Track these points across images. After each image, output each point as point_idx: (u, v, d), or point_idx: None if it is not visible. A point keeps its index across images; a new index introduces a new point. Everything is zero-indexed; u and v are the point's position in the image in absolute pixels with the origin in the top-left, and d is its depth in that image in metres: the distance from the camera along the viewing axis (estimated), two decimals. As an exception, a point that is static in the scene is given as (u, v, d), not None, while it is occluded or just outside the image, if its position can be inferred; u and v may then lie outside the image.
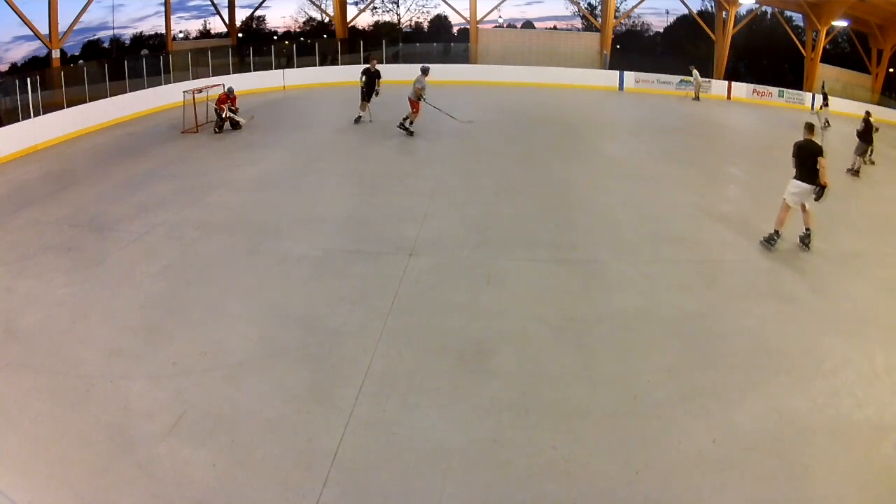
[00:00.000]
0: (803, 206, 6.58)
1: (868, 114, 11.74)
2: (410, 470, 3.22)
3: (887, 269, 6.19)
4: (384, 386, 3.91)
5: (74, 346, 4.34)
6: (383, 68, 21.33)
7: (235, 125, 12.60)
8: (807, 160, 6.49)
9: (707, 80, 21.58)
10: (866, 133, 11.14)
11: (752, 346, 4.52)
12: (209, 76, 16.37)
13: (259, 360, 4.19)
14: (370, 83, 12.83)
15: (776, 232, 6.54)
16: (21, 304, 4.99)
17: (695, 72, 20.86)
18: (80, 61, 18.18)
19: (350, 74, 20.64)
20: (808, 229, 6.61)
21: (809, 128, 6.77)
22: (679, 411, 3.73)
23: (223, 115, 12.46)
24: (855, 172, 10.87)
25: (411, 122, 12.04)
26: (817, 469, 3.27)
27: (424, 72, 11.95)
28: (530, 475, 3.19)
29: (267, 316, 4.82)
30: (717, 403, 3.81)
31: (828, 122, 16.14)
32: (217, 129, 12.55)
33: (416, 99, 11.95)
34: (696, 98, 20.81)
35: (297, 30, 25.99)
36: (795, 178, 6.62)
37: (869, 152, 11.45)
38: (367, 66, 13.11)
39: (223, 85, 12.93)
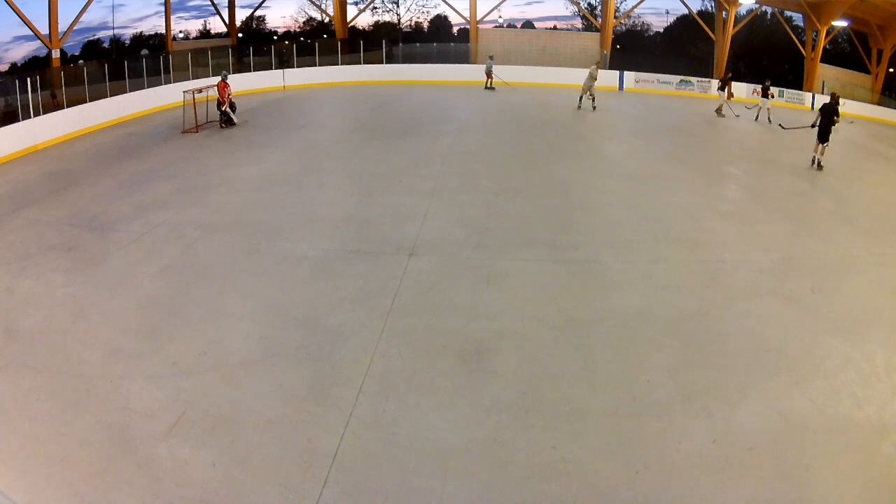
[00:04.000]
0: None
1: None
2: (410, 470, 3.22)
3: (887, 269, 6.19)
4: (384, 386, 3.92)
5: (74, 346, 4.35)
6: (384, 68, 21.60)
7: (228, 120, 12.61)
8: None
9: (707, 80, 21.54)
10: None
11: (752, 346, 4.52)
12: (209, 76, 16.36)
13: (259, 360, 4.20)
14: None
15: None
16: (21, 304, 4.99)
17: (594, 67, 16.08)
18: (80, 61, 18.17)
19: (350, 74, 20.71)
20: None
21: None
22: (679, 411, 3.73)
23: (224, 108, 12.48)
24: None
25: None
26: (817, 469, 3.27)
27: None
28: (530, 475, 3.19)
29: (267, 316, 4.82)
30: (717, 403, 3.81)
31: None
32: (223, 125, 12.57)
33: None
34: (579, 102, 16.02)
35: (297, 30, 26.01)
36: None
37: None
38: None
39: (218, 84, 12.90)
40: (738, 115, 16.56)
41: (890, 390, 4.02)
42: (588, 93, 15.83)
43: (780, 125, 11.88)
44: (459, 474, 3.19)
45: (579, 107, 16.02)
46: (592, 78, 15.73)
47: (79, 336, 4.50)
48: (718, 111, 16.73)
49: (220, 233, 6.60)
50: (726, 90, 17.00)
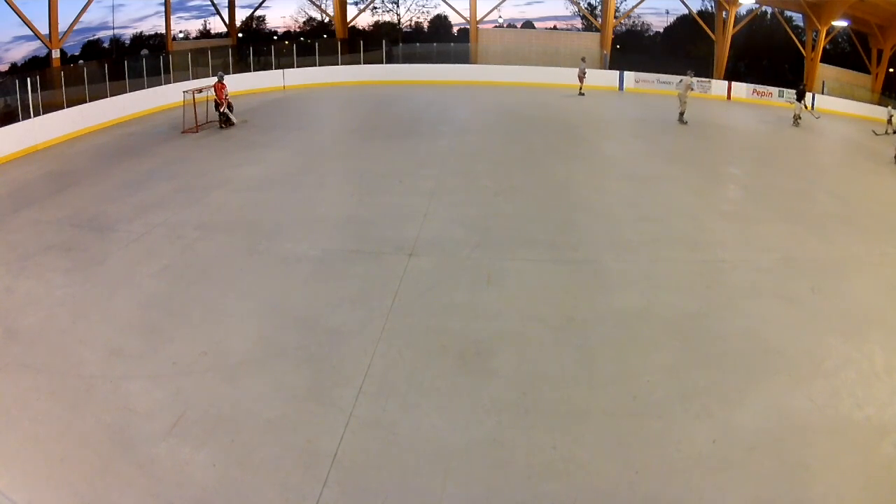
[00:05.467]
0: None
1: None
2: (410, 470, 3.22)
3: (887, 269, 6.18)
4: (384, 386, 3.91)
5: (74, 346, 4.34)
6: (384, 68, 21.59)
7: (227, 121, 12.60)
8: None
9: (707, 80, 21.53)
10: None
11: (752, 346, 4.52)
12: (209, 76, 16.34)
13: (259, 360, 4.20)
14: None
15: None
16: (21, 304, 4.99)
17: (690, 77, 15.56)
18: (80, 61, 18.15)
19: (350, 74, 20.70)
20: None
21: None
22: (679, 411, 3.73)
23: (221, 109, 12.48)
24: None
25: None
26: (817, 469, 3.27)
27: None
28: (530, 475, 3.19)
29: (267, 316, 4.82)
30: (717, 403, 3.81)
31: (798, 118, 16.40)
32: (222, 125, 12.57)
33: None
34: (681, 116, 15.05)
35: (297, 30, 25.99)
36: None
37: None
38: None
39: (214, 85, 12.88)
40: (818, 117, 16.70)
41: (890, 390, 4.02)
42: (682, 103, 14.89)
43: (873, 131, 14.02)
44: (459, 474, 3.19)
45: (682, 121, 14.93)
46: (689, 87, 14.91)
47: (79, 336, 4.49)
48: (796, 119, 16.25)
49: (220, 233, 6.59)
50: (804, 100, 16.50)
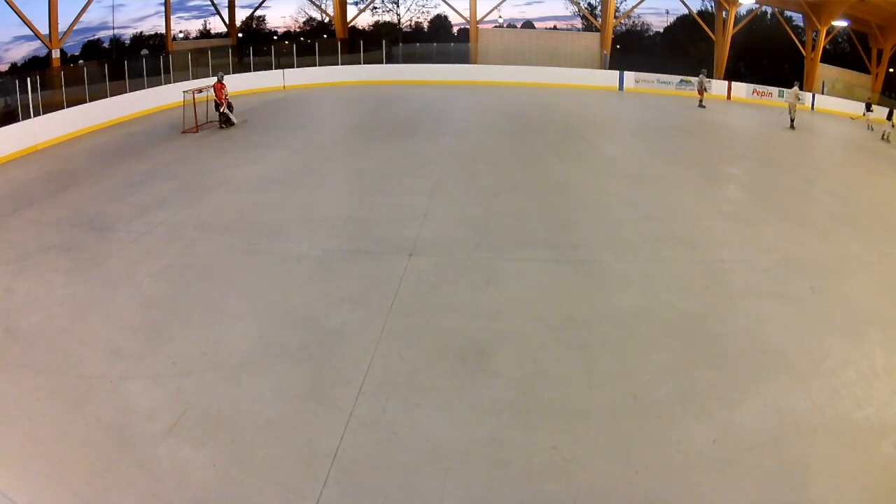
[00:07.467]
0: None
1: None
2: (410, 470, 3.22)
3: (887, 269, 6.18)
4: (384, 386, 3.91)
5: (74, 346, 4.34)
6: (384, 68, 21.59)
7: (227, 120, 12.60)
8: None
9: (708, 80, 21.52)
10: None
11: (752, 346, 4.51)
12: (209, 76, 16.34)
13: (259, 360, 4.20)
14: None
15: None
16: (21, 304, 4.99)
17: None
18: (80, 61, 18.16)
19: (350, 74, 20.70)
20: None
21: None
22: (679, 411, 3.73)
23: (222, 110, 12.48)
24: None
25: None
26: (817, 469, 3.27)
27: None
28: (530, 475, 3.19)
29: (267, 316, 4.82)
30: (717, 403, 3.81)
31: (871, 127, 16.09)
32: (222, 125, 12.57)
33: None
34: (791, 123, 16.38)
35: (297, 30, 26.00)
36: None
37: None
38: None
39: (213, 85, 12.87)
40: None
41: (890, 390, 4.02)
42: (792, 111, 15.84)
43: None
44: (459, 474, 3.19)
45: (792, 127, 15.66)
46: (797, 97, 15.97)
47: (79, 336, 4.49)
48: (887, 138, 15.44)
49: (220, 233, 6.59)
50: (893, 118, 15.70)
